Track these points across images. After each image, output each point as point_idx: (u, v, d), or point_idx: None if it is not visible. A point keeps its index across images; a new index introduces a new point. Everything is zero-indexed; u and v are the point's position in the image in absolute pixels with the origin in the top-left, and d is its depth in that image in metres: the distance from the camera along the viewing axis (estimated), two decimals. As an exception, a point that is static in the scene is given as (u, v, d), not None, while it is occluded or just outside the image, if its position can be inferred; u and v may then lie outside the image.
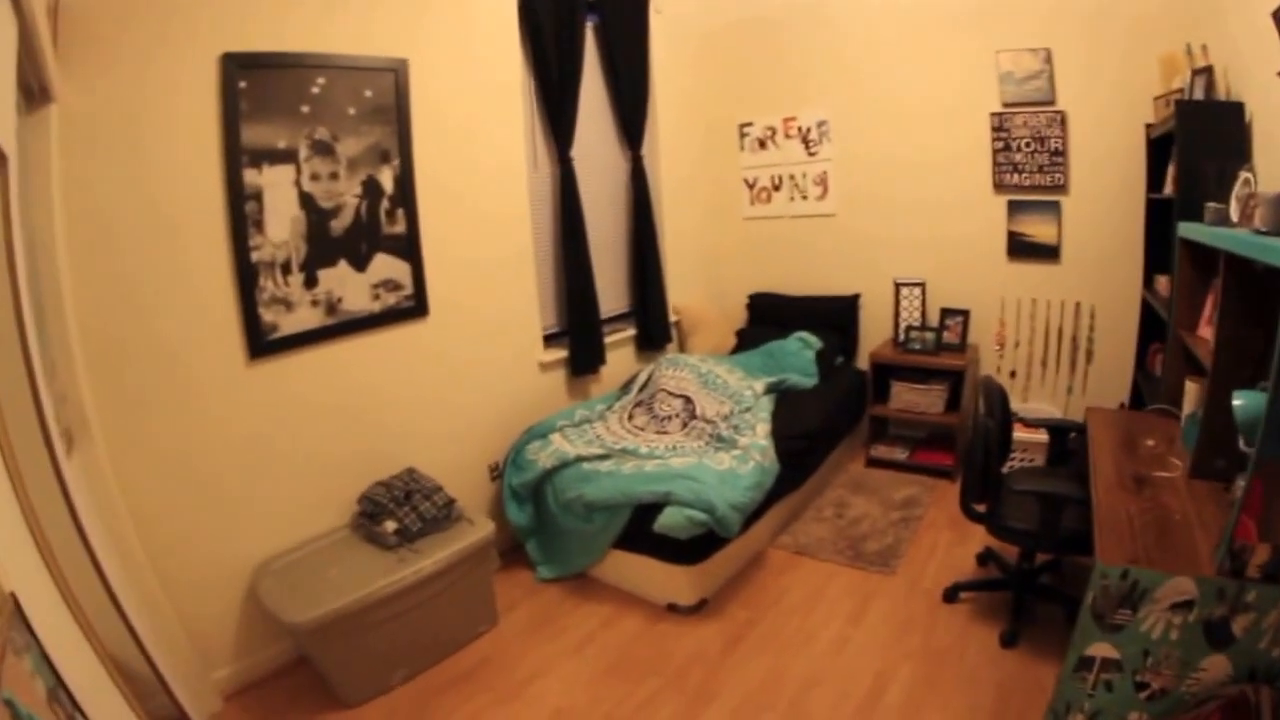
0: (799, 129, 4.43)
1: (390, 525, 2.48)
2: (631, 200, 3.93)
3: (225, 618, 2.44)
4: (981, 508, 2.71)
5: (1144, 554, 1.86)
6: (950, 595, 2.94)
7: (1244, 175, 2.16)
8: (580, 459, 2.94)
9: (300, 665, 2.61)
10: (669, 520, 2.59)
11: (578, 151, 3.50)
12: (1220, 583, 1.73)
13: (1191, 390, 2.61)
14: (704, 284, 4.71)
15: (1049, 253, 3.92)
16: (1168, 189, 3.16)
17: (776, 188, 4.57)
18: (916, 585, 3.04)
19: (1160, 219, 3.36)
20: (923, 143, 4.13)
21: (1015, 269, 4.04)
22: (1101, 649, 1.87)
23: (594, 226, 3.63)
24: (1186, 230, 2.53)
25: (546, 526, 3.04)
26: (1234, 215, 2.21)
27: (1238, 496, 1.91)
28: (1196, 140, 2.63)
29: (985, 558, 3.19)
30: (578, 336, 3.54)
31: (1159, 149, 3.30)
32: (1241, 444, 2.00)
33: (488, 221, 3.14)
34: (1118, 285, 3.71)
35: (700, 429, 3.26)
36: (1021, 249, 4.00)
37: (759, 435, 3.16)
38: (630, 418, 3.40)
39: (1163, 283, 3.22)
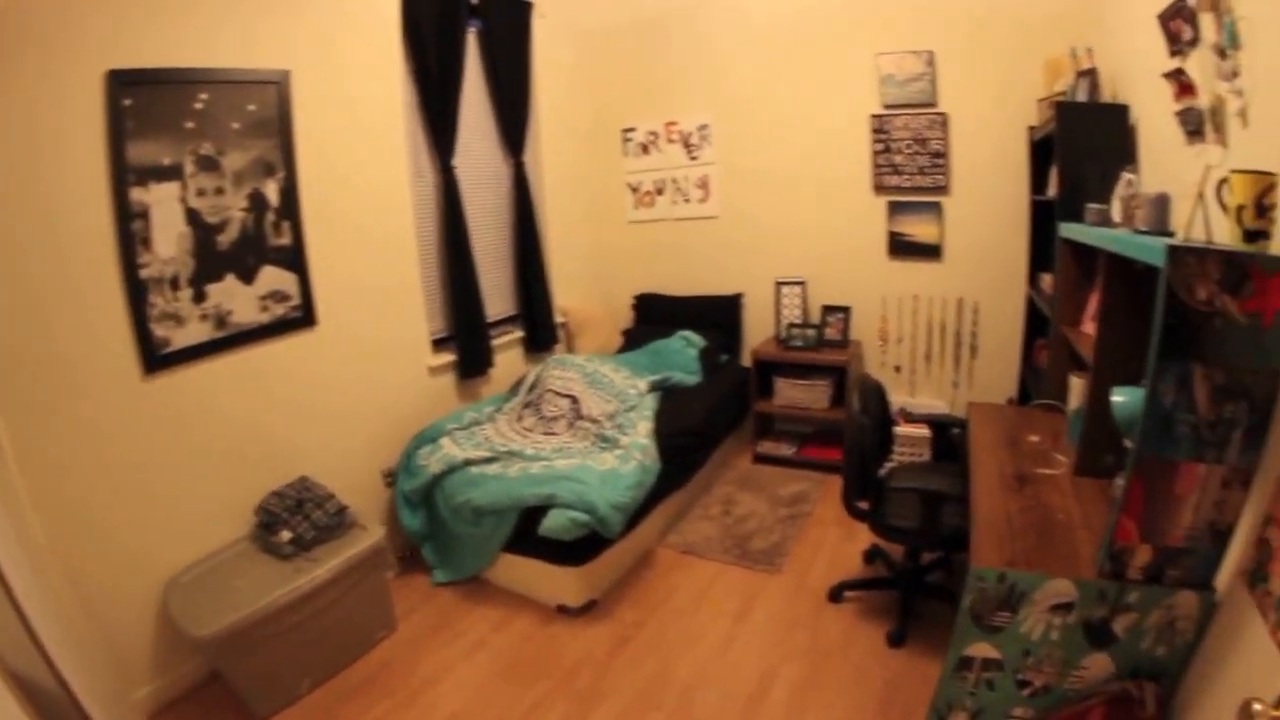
0: (680, 133, 4.51)
1: (285, 535, 2.52)
2: (515, 206, 4.00)
3: (142, 635, 2.44)
4: (864, 505, 2.71)
5: (1022, 556, 1.85)
6: (836, 594, 2.94)
7: (1126, 176, 2.19)
8: (468, 463, 2.96)
9: (215, 681, 2.58)
10: (553, 523, 2.62)
11: (460, 159, 3.54)
12: (1100, 585, 1.73)
13: (1076, 385, 2.67)
14: (591, 285, 4.81)
15: (930, 251, 4.03)
16: (1051, 190, 3.24)
17: (660, 191, 4.67)
18: (803, 584, 3.07)
19: (1044, 219, 3.45)
20: (803, 145, 4.20)
21: (897, 267, 4.15)
22: (981, 649, 1.85)
23: (478, 232, 3.70)
24: (1068, 230, 2.57)
25: (440, 531, 3.04)
26: (1116, 215, 2.24)
27: (1117, 496, 1.92)
28: (1079, 141, 2.68)
29: (873, 555, 3.20)
30: (465, 340, 3.57)
31: (1042, 151, 3.39)
32: (1126, 440, 2.02)
33: (373, 230, 3.16)
34: (1001, 282, 3.84)
35: (585, 429, 3.31)
36: (903, 248, 4.09)
37: (641, 434, 3.21)
38: (519, 419, 3.43)
39: (1047, 280, 3.31)
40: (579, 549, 2.70)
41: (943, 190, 3.91)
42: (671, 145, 4.56)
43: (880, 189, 4.07)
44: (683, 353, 4.14)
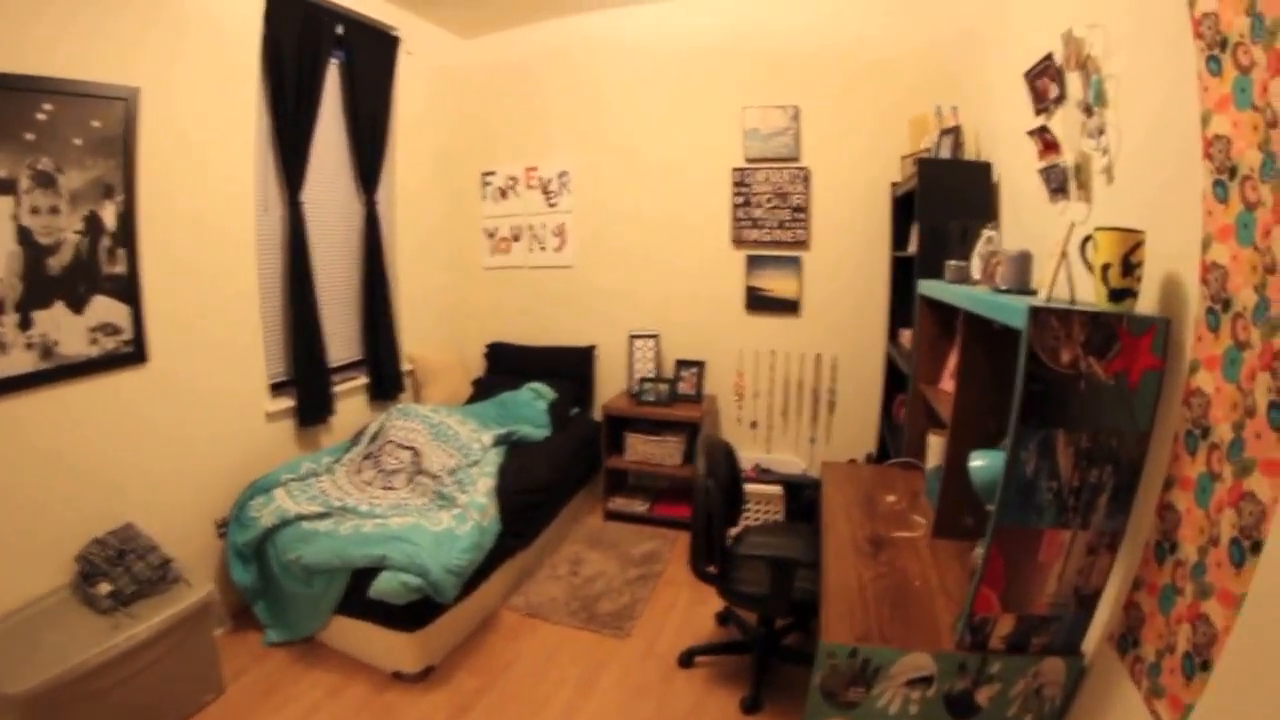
0: (540, 179, 4.45)
1: (104, 588, 2.37)
2: (365, 246, 3.83)
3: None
4: (713, 569, 2.59)
5: (877, 629, 1.73)
6: (686, 660, 2.78)
7: (987, 233, 2.18)
8: (300, 517, 2.83)
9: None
10: (384, 586, 2.51)
11: (310, 194, 3.36)
12: (961, 657, 1.62)
13: (934, 444, 2.63)
14: (443, 332, 4.63)
15: (789, 306, 4.05)
16: (911, 246, 3.28)
17: (516, 238, 4.58)
18: (652, 649, 2.90)
19: (905, 275, 3.51)
20: (663, 196, 4.20)
21: (755, 321, 4.15)
22: None
23: (324, 272, 3.53)
24: (927, 287, 2.56)
25: (272, 588, 2.89)
26: (975, 273, 2.23)
27: (977, 565, 1.82)
28: (940, 198, 2.72)
29: (726, 618, 3.06)
30: (305, 385, 3.38)
31: (904, 207, 3.46)
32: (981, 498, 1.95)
33: (213, 263, 2.98)
34: (861, 338, 3.89)
35: (424, 485, 3.15)
36: (761, 303, 4.10)
37: (480, 492, 3.08)
38: (358, 471, 3.28)
39: (907, 336, 3.33)
40: (415, 612, 2.56)
41: (803, 245, 3.96)
42: (531, 191, 4.48)
43: (739, 242, 4.08)
44: (531, 405, 3.99)
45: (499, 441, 3.63)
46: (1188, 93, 1.35)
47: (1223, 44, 1.24)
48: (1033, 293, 1.83)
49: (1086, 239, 1.52)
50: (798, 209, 3.90)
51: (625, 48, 4.15)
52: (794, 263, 3.97)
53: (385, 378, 3.93)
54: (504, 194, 4.56)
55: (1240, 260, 1.24)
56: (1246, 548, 1.19)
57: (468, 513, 2.91)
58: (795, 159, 3.88)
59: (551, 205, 4.44)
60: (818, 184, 3.88)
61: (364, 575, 2.58)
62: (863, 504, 2.53)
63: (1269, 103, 1.13)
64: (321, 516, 2.85)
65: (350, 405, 3.75)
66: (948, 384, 2.67)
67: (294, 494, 2.98)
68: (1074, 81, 1.86)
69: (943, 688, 1.65)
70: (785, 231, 3.94)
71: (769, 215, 3.96)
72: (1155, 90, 1.48)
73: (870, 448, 3.93)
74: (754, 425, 4.23)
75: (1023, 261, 1.83)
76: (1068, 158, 1.94)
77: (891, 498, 2.59)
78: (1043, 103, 2.08)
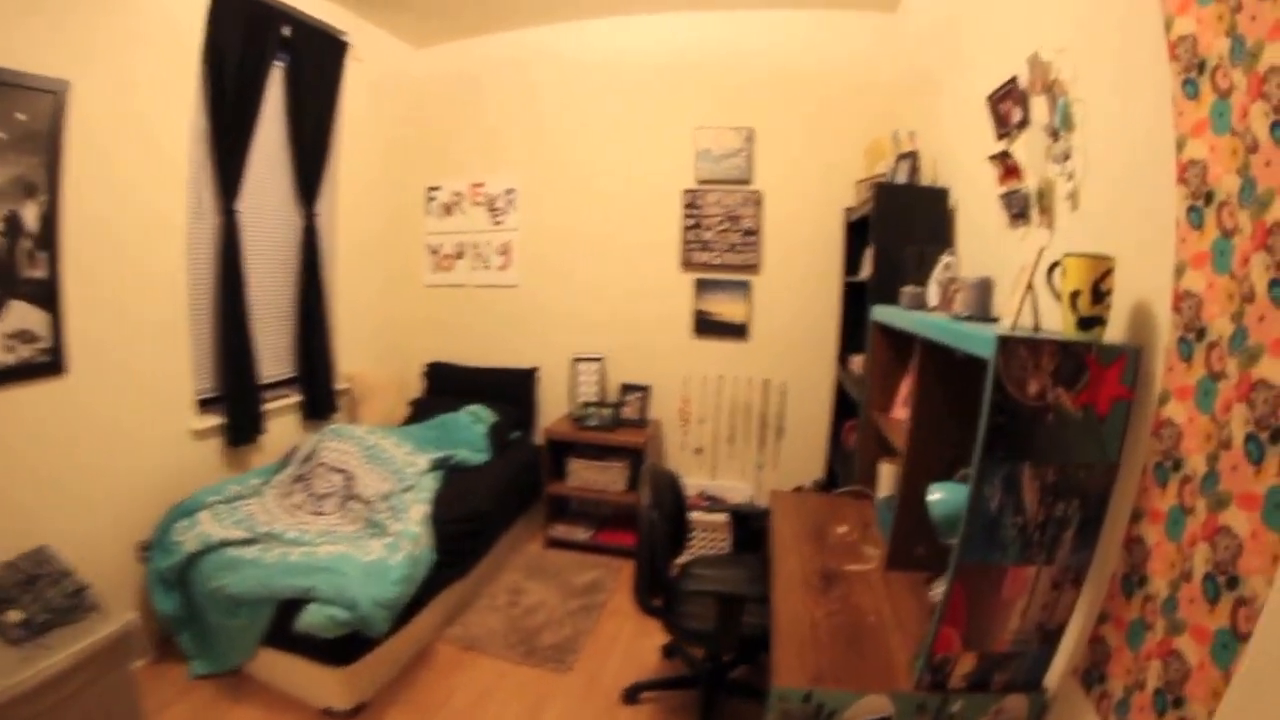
0: (486, 196, 4.36)
1: (15, 615, 2.22)
2: (302, 259, 3.65)
3: None
4: (658, 602, 2.48)
5: (830, 670, 1.64)
6: (631, 695, 2.66)
7: (945, 259, 2.15)
8: (225, 543, 2.69)
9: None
10: (311, 619, 2.38)
11: (247, 204, 3.21)
12: (920, 698, 1.56)
13: (886, 472, 2.59)
14: (381, 351, 4.45)
15: (737, 331, 4.02)
16: (863, 272, 3.26)
17: (460, 255, 4.47)
18: (595, 684, 2.77)
19: (856, 300, 3.49)
20: (611, 216, 4.15)
21: (702, 346, 4.10)
22: None
23: (258, 285, 3.39)
24: (881, 313, 2.53)
25: (197, 617, 2.73)
26: (932, 299, 2.19)
27: (936, 603, 1.76)
28: (896, 223, 2.71)
29: (672, 651, 2.96)
30: (235, 402, 3.21)
31: (858, 232, 3.45)
32: (939, 534, 1.89)
33: (141, 271, 2.82)
34: (810, 364, 3.86)
35: (356, 511, 3.00)
36: (709, 327, 4.06)
37: (413, 520, 2.93)
38: (288, 495, 3.11)
39: (857, 362, 3.30)
40: (345, 647, 2.44)
41: (753, 269, 3.94)
42: (476, 208, 4.38)
43: (689, 265, 4.03)
44: (470, 429, 3.85)
45: (435, 466, 3.47)
46: (1161, 117, 1.32)
47: (1200, 67, 1.21)
48: (994, 320, 1.79)
49: (1054, 265, 1.48)
50: (749, 232, 3.87)
51: (578, 63, 4.10)
52: (744, 286, 3.94)
53: (319, 396, 3.76)
54: (449, 210, 4.44)
55: (1216, 288, 1.21)
56: (1221, 583, 1.14)
57: (400, 542, 2.75)
58: (747, 181, 3.87)
59: (497, 223, 4.35)
60: (770, 207, 3.87)
61: (291, 607, 2.44)
62: (813, 535, 2.45)
63: (1249, 127, 1.10)
64: (247, 543, 2.69)
65: (281, 424, 3.56)
66: (900, 412, 2.63)
67: (219, 518, 2.83)
68: (1039, 105, 1.84)
69: None
70: (736, 255, 3.91)
71: (719, 238, 3.92)
72: (1126, 115, 1.46)
73: (819, 474, 3.88)
74: (699, 451, 4.14)
75: (983, 288, 1.79)
76: (1030, 183, 1.92)
77: (843, 528, 2.52)
78: (1005, 127, 2.07)
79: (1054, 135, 1.74)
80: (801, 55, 3.75)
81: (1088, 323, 1.40)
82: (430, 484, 3.28)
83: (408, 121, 4.39)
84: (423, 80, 4.37)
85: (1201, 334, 1.24)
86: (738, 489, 4.00)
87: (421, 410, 4.20)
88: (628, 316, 4.16)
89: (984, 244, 2.29)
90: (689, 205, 3.93)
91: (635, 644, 3.04)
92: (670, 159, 3.95)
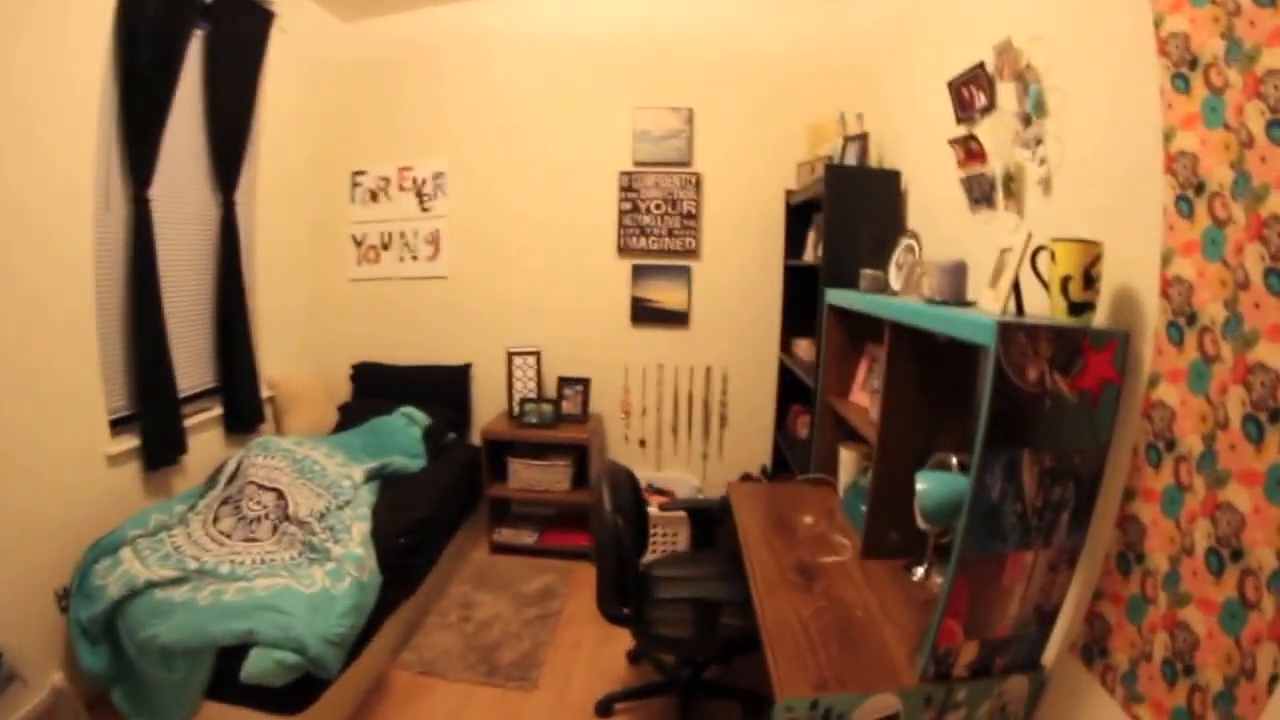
0: (414, 180, 4.14)
1: None
2: (220, 254, 3.38)
3: None
4: (628, 611, 2.43)
5: (832, 673, 1.64)
6: (605, 708, 2.61)
7: (907, 242, 2.20)
8: (151, 585, 2.45)
9: None
10: (256, 667, 2.21)
11: (160, 191, 2.91)
12: (926, 690, 1.60)
13: (847, 458, 2.65)
14: (306, 353, 4.21)
15: (678, 318, 4.01)
16: (807, 255, 3.33)
17: (386, 246, 4.24)
18: (564, 700, 2.71)
19: (798, 284, 3.55)
20: (545, 201, 4.05)
21: (641, 335, 4.07)
22: None
23: (173, 284, 3.09)
24: (840, 297, 2.57)
25: (130, 672, 2.48)
26: (895, 283, 2.24)
27: (919, 588, 1.82)
28: (846, 205, 2.74)
29: (638, 655, 2.93)
30: (152, 420, 2.95)
31: (799, 215, 3.50)
32: (920, 521, 1.95)
33: (42, 272, 2.47)
34: (753, 349, 3.92)
35: (292, 534, 2.80)
36: (647, 315, 4.03)
37: (355, 541, 2.78)
38: (215, 520, 2.86)
39: (803, 346, 3.37)
40: (296, 692, 2.28)
41: (693, 254, 3.94)
42: (404, 194, 4.16)
43: (625, 251, 3.99)
44: (405, 432, 3.69)
45: (371, 476, 3.30)
46: (1148, 109, 1.38)
47: (1192, 63, 1.27)
48: (969, 304, 1.85)
49: (1038, 250, 1.54)
50: (688, 216, 3.86)
51: (512, 39, 3.94)
52: (683, 272, 3.93)
53: (243, 407, 3.51)
54: (374, 196, 4.20)
55: (1207, 275, 1.28)
56: (1225, 556, 1.22)
57: (344, 567, 2.59)
58: (687, 163, 3.85)
59: (425, 209, 4.15)
60: (709, 190, 3.86)
61: (235, 652, 2.26)
62: (779, 527, 2.46)
63: (1244, 124, 1.17)
64: (177, 582, 2.46)
65: (204, 441, 3.30)
66: (859, 396, 2.71)
67: (143, 555, 2.59)
68: (1007, 91, 1.91)
69: None
70: (675, 239, 3.89)
71: (658, 222, 3.89)
72: (1108, 105, 1.53)
73: (765, 460, 3.96)
74: (643, 444, 4.14)
75: (957, 272, 1.85)
76: (995, 167, 1.99)
77: (808, 518, 2.56)
78: (967, 111, 2.14)
79: (1026, 121, 1.80)
80: (743, 34, 3.75)
81: (1078, 308, 1.46)
82: (368, 497, 3.12)
83: (333, 100, 4.14)
84: (349, 56, 4.13)
85: (1193, 319, 1.32)
86: (684, 480, 4.02)
87: (351, 415, 4.01)
88: (563, 306, 4.08)
89: (942, 227, 2.36)
90: (626, 188, 3.88)
91: (599, 652, 3.00)
92: (607, 140, 3.88)
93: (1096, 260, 1.43)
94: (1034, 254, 1.56)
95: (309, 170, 4.08)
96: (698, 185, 3.84)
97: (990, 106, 2.00)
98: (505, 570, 3.68)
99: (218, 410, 3.43)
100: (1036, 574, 1.55)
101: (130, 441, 2.88)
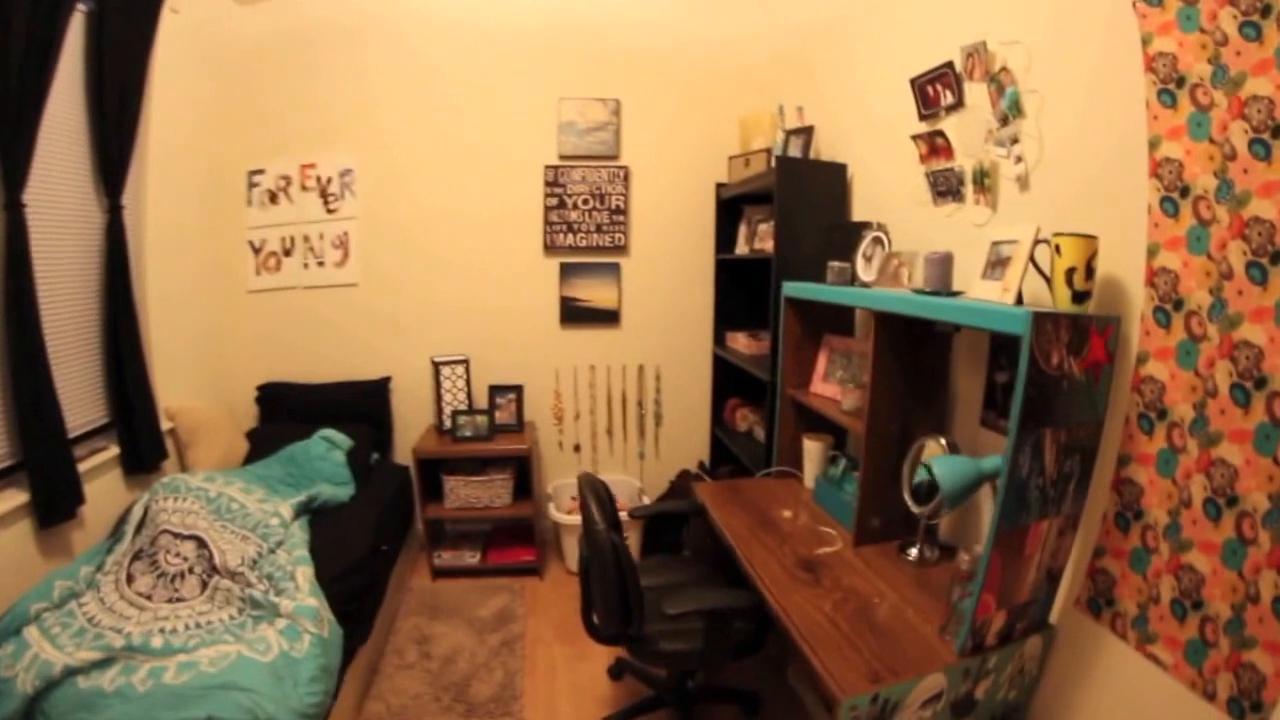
0: (319, 179, 4.01)
1: None
2: (107, 266, 3.11)
3: None
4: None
5: (880, 664, 1.82)
6: None
7: (874, 234, 2.45)
8: (71, 671, 2.20)
9: None
10: None
11: (35, 194, 2.65)
12: (965, 665, 1.84)
13: (812, 449, 2.90)
14: (204, 377, 3.93)
15: (608, 317, 4.15)
16: (740, 248, 3.57)
17: (288, 252, 4.08)
18: None
19: (730, 277, 3.79)
20: (463, 199, 4.03)
21: (571, 335, 4.18)
22: None
23: (53, 305, 2.83)
24: (804, 290, 2.81)
25: None
26: (864, 274, 2.49)
27: (974, 574, 2.08)
28: (796, 198, 2.97)
29: (618, 670, 3.06)
30: (41, 468, 2.67)
31: (730, 209, 3.73)
32: (909, 502, 2.23)
33: None
34: (685, 345, 4.15)
35: (226, 590, 2.64)
36: (577, 315, 4.14)
37: (303, 590, 2.67)
38: (129, 580, 2.64)
39: (740, 340, 3.60)
40: None
41: (622, 250, 4.07)
42: (307, 194, 4.00)
43: (552, 249, 4.06)
44: (327, 458, 3.56)
45: (300, 511, 3.17)
46: (1134, 118, 1.68)
47: (1179, 81, 1.57)
48: (956, 294, 2.12)
49: (1037, 243, 1.83)
50: (617, 211, 3.98)
51: (425, 21, 3.85)
52: (613, 269, 4.06)
53: (143, 443, 3.25)
54: (274, 198, 4.01)
55: (1192, 267, 1.59)
56: (1222, 504, 1.53)
57: (299, 623, 2.49)
58: (615, 157, 3.96)
59: (331, 211, 4.01)
60: (638, 184, 4.00)
61: None
62: (764, 525, 2.64)
63: (1228, 139, 1.48)
64: (102, 666, 2.26)
65: (102, 487, 3.03)
66: (821, 387, 2.97)
67: (53, 634, 2.35)
68: (977, 91, 2.19)
69: (951, 698, 1.84)
70: (603, 236, 4.01)
71: (585, 218, 3.99)
72: (1092, 111, 1.82)
73: (702, 456, 4.19)
74: (577, 449, 4.25)
75: (945, 263, 2.11)
76: (964, 162, 2.28)
77: (787, 513, 2.78)
78: (931, 108, 2.42)
79: (1003, 120, 2.09)
80: (672, 24, 3.89)
81: (1080, 297, 1.75)
82: (301, 535, 3.00)
83: (226, 91, 3.88)
84: (245, 41, 3.87)
85: (1179, 305, 1.63)
86: (625, 483, 4.16)
87: (263, 442, 3.82)
88: (488, 311, 4.10)
89: (899, 218, 2.64)
90: (551, 183, 3.94)
91: (576, 672, 3.09)
92: (531, 132, 3.92)
93: (1095, 253, 1.73)
94: (1034, 246, 1.84)
95: (200, 169, 3.84)
96: (626, 179, 3.97)
97: (958, 104, 2.29)
98: (453, 596, 3.67)
99: (114, 450, 3.19)
100: (1049, 540, 1.84)
101: (17, 497, 2.64)
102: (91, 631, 2.38)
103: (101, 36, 2.96)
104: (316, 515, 3.26)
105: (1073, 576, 1.95)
